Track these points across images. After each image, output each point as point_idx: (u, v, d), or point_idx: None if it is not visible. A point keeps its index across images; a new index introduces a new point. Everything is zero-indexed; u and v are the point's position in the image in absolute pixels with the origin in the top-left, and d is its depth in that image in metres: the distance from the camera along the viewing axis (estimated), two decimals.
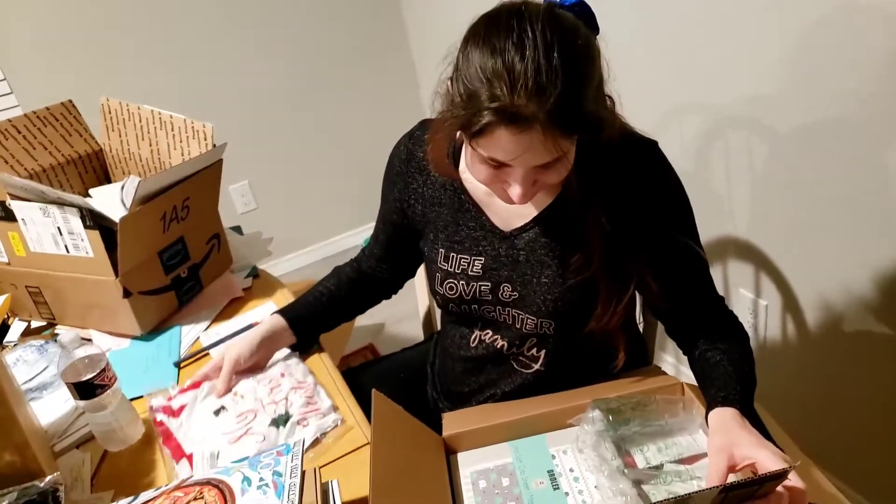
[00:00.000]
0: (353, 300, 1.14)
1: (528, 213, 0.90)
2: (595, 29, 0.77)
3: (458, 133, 0.85)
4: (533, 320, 0.92)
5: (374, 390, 0.82)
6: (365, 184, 2.73)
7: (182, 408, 0.98)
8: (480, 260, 0.93)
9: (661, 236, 0.86)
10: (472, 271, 0.93)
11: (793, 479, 0.66)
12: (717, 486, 0.60)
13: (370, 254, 1.14)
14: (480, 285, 0.93)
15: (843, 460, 1.43)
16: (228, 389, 1.00)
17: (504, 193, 0.80)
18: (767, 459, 0.67)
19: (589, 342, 0.92)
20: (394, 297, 1.20)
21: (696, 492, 0.60)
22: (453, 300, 0.96)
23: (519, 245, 0.91)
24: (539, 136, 0.69)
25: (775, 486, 0.65)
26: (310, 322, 1.10)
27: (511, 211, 0.91)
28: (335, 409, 0.96)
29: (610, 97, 0.79)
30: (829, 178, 1.26)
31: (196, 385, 1.01)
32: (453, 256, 0.95)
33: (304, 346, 1.10)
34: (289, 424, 0.93)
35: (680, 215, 0.89)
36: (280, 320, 1.06)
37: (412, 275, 1.18)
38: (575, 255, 0.87)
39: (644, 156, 0.86)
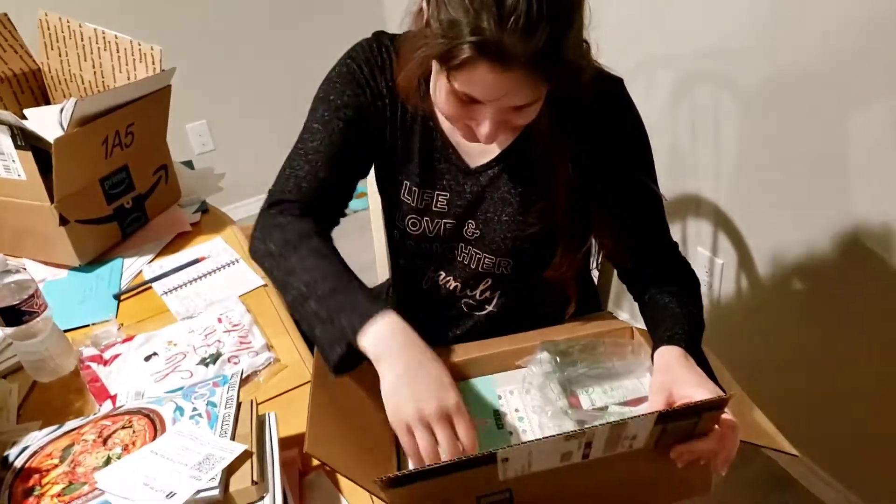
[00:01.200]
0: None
1: (493, 149, 0.87)
2: None
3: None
4: (491, 259, 0.90)
5: None
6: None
7: (114, 357, 0.94)
8: (445, 195, 0.90)
9: (621, 175, 0.85)
10: (435, 207, 0.90)
11: (726, 413, 0.66)
12: (654, 413, 0.59)
13: (310, 182, 0.88)
14: (445, 222, 0.91)
15: (793, 420, 1.47)
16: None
17: (468, 131, 0.76)
18: (704, 397, 0.67)
19: (543, 286, 0.91)
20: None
21: (632, 417, 0.59)
22: (414, 236, 0.93)
23: (483, 181, 0.88)
24: (520, 78, 0.65)
25: (713, 420, 0.65)
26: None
27: (477, 147, 0.87)
28: (269, 347, 0.94)
29: (587, 42, 0.74)
30: (790, 135, 1.25)
31: (130, 338, 0.96)
32: (416, 190, 0.91)
33: None
34: (218, 362, 0.90)
35: (641, 155, 0.87)
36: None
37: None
38: (537, 196, 0.85)
39: (610, 93, 0.84)
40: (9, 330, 0.86)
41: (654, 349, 0.80)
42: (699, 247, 1.55)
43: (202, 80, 2.32)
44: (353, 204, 0.97)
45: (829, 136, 1.18)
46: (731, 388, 0.79)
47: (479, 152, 0.88)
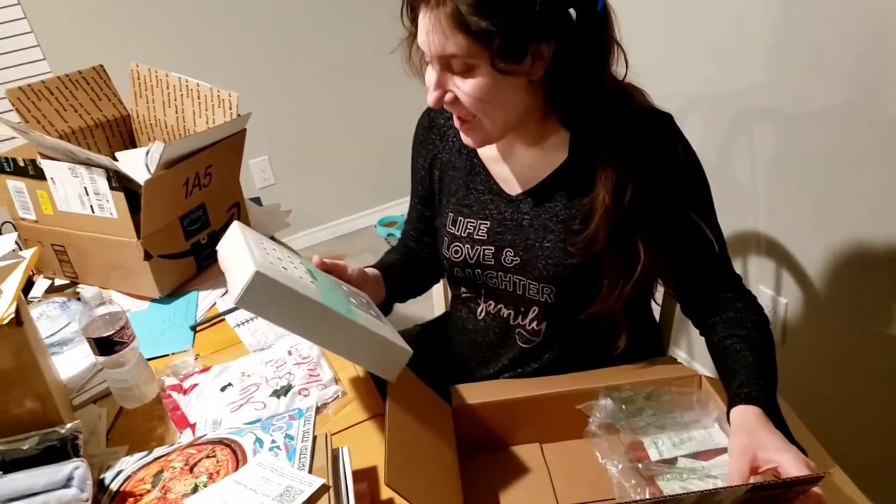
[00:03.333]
0: (409, 278, 1.12)
1: (534, 176, 0.91)
2: None
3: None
4: (535, 286, 0.92)
5: None
6: (382, 165, 2.75)
7: (193, 387, 0.99)
8: (486, 224, 0.94)
9: (671, 210, 0.86)
10: (476, 235, 0.95)
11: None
12: (748, 484, 0.59)
13: (408, 234, 1.14)
14: (484, 249, 0.94)
15: (861, 463, 1.41)
16: (326, 266, 0.93)
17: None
18: (791, 465, 0.66)
19: (592, 318, 0.91)
20: None
21: (724, 487, 0.59)
22: (458, 264, 0.97)
23: (524, 209, 0.92)
24: (438, 15, 0.73)
25: (802, 491, 0.64)
26: (394, 278, 1.06)
27: (518, 174, 0.92)
28: (337, 381, 0.97)
29: (621, 47, 0.81)
30: (855, 171, 1.24)
31: (206, 369, 1.02)
32: (461, 220, 0.96)
33: (387, 304, 1.07)
34: (289, 394, 0.94)
35: (692, 189, 0.87)
36: (373, 269, 1.04)
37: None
38: (579, 224, 0.87)
39: (657, 128, 0.86)
40: (101, 359, 0.92)
41: (729, 405, 0.78)
42: (761, 285, 1.53)
43: (264, 118, 2.42)
44: None
45: (894, 170, 1.16)
46: (809, 444, 0.77)
47: (521, 181, 0.92)
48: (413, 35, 0.82)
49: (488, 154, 0.95)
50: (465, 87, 0.79)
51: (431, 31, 0.75)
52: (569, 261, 0.88)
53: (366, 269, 1.01)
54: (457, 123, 0.86)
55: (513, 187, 0.93)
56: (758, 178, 1.46)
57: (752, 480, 0.67)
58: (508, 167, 0.93)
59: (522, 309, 0.96)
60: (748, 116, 1.43)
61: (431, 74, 0.81)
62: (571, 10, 0.76)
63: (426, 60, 0.82)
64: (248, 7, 2.33)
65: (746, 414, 0.75)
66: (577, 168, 0.87)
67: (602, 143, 0.83)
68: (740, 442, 0.72)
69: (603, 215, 0.84)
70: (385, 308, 1.07)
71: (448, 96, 0.81)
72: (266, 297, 0.73)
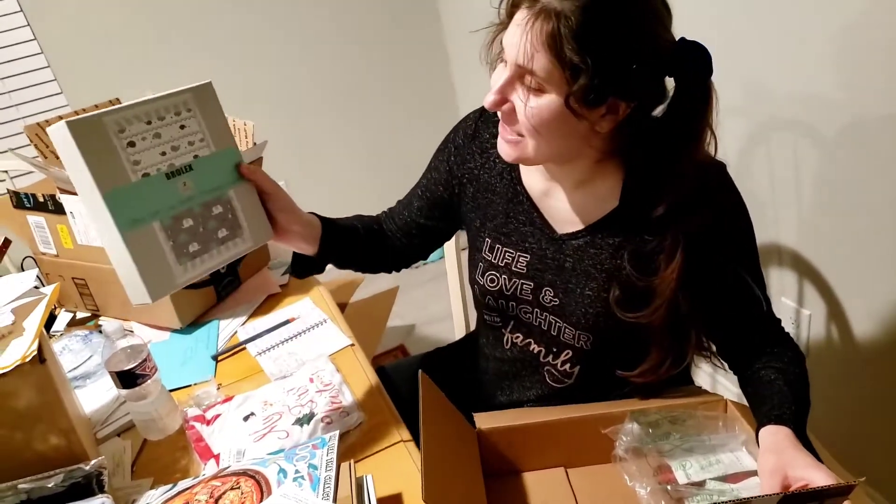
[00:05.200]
0: (366, 247, 1.05)
1: (583, 219, 0.87)
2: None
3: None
4: (571, 331, 0.89)
5: (421, 373, 0.82)
6: (401, 191, 2.74)
7: (216, 417, 0.99)
8: (526, 257, 0.91)
9: (720, 268, 0.82)
10: (515, 267, 0.92)
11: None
12: (779, 493, 0.58)
13: (395, 215, 1.08)
14: (522, 283, 0.92)
15: (887, 478, 1.38)
16: (246, 172, 0.86)
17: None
18: (822, 481, 0.65)
19: (625, 363, 0.89)
20: (426, 298, 1.19)
21: (756, 497, 0.58)
22: (492, 293, 0.95)
23: (567, 250, 0.88)
24: (536, 26, 0.69)
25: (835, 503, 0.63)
26: (337, 235, 0.99)
27: (565, 213, 0.88)
28: (359, 407, 0.97)
29: (714, 133, 0.77)
30: (877, 182, 1.22)
31: (229, 399, 1.01)
32: (499, 248, 0.93)
33: (318, 260, 0.98)
34: (312, 423, 0.93)
35: (742, 245, 0.84)
36: (314, 216, 0.98)
37: (423, 257, 1.12)
38: (621, 276, 0.83)
39: (713, 183, 0.81)
40: (124, 392, 0.93)
41: (758, 427, 0.77)
42: (783, 297, 1.50)
43: (282, 143, 2.45)
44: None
45: None
46: (837, 472, 0.76)
47: (568, 220, 0.88)
48: (504, 26, 0.75)
49: (534, 186, 0.90)
50: (528, 106, 0.74)
51: (522, 37, 0.70)
52: (609, 312, 0.85)
53: (308, 214, 0.95)
54: (501, 130, 0.80)
55: (559, 225, 0.89)
56: (780, 188, 1.44)
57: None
58: (554, 204, 0.89)
59: (555, 349, 0.93)
60: (767, 127, 1.42)
61: (501, 76, 0.76)
62: (670, 80, 0.74)
63: (502, 58, 0.76)
64: (264, 37, 2.36)
65: (776, 434, 0.74)
66: (628, 218, 0.83)
67: (657, 200, 0.78)
68: (770, 462, 0.71)
69: (667, 300, 0.80)
70: (323, 258, 0.98)
71: (507, 106, 0.76)
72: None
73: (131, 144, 0.74)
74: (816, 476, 0.66)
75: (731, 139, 1.50)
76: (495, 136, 0.84)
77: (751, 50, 1.38)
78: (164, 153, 0.77)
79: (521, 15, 0.71)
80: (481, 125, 0.95)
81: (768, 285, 1.53)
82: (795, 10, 1.25)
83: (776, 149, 1.41)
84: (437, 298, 1.28)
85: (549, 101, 0.72)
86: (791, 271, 1.48)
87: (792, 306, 1.49)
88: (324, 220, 0.98)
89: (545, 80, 0.71)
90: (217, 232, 0.82)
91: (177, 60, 2.25)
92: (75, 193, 1.14)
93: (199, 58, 2.29)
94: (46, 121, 1.29)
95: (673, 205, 0.77)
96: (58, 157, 1.28)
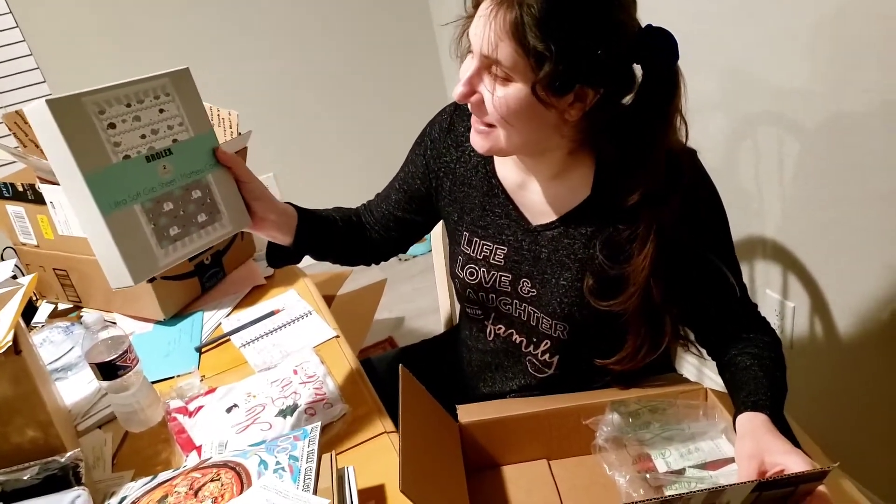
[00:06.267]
0: (343, 238, 1.05)
1: (556, 210, 0.88)
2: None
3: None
4: (548, 321, 0.90)
5: (401, 366, 0.81)
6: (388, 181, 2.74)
7: (198, 409, 0.98)
8: (503, 249, 0.92)
9: (693, 255, 0.82)
10: (493, 259, 0.92)
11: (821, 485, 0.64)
12: (753, 481, 0.59)
13: (373, 208, 1.08)
14: (501, 275, 0.92)
15: (870, 467, 1.39)
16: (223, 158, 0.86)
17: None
18: (798, 467, 0.65)
19: (602, 351, 0.89)
20: (413, 291, 1.19)
21: (730, 485, 0.58)
22: (472, 286, 0.95)
23: (542, 241, 0.89)
24: (499, 14, 0.68)
25: (807, 492, 0.63)
26: (313, 226, 0.98)
27: (538, 205, 0.89)
28: (343, 399, 0.96)
29: (684, 119, 0.76)
30: (861, 175, 1.22)
31: (212, 390, 1.01)
32: (476, 241, 0.94)
33: (294, 250, 0.97)
34: (295, 414, 0.93)
35: (715, 232, 0.85)
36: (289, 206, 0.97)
37: (402, 250, 1.12)
38: (594, 265, 0.84)
39: (683, 167, 0.80)
40: (104, 383, 0.92)
41: (735, 413, 0.78)
42: (768, 289, 1.51)
43: (268, 135, 2.44)
44: (414, 249, 1.05)
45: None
46: (815, 455, 0.77)
47: (542, 212, 0.89)
48: (470, 18, 0.76)
49: (509, 178, 0.91)
50: (496, 95, 0.74)
51: (486, 27, 0.70)
52: (584, 302, 0.85)
53: (285, 204, 0.95)
54: (473, 122, 0.80)
55: (534, 217, 0.90)
56: (763, 182, 1.45)
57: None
58: (529, 196, 0.89)
59: (535, 339, 0.94)
60: (753, 120, 1.42)
61: (468, 66, 0.76)
62: (637, 66, 0.74)
63: (470, 50, 0.76)
64: (251, 27, 2.34)
65: (753, 421, 0.74)
66: (600, 207, 0.84)
67: (629, 188, 0.78)
68: (747, 448, 0.71)
69: (640, 287, 0.80)
70: (299, 248, 0.97)
71: (475, 97, 0.76)
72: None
73: (111, 126, 0.73)
74: (792, 462, 0.66)
75: (715, 132, 1.50)
76: (468, 129, 0.85)
77: (735, 43, 1.38)
78: (143, 136, 0.76)
79: (485, 5, 0.71)
80: (456, 118, 0.95)
81: (752, 278, 1.54)
82: (780, 3, 1.25)
83: (761, 142, 1.41)
84: (425, 291, 1.28)
85: (516, 89, 0.73)
86: (775, 264, 1.48)
87: (776, 298, 1.50)
88: (300, 210, 0.97)
89: (510, 68, 0.71)
90: (197, 216, 0.81)
91: (162, 50, 2.23)
92: (56, 183, 1.13)
93: (185, 48, 2.27)
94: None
95: (645, 193, 0.78)
96: (38, 146, 1.27)
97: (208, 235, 0.83)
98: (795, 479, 0.61)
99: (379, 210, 1.07)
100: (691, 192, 0.81)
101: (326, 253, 1.04)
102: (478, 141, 0.81)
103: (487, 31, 0.70)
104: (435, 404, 0.87)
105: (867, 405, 1.38)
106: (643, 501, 0.58)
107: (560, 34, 0.68)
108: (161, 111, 0.78)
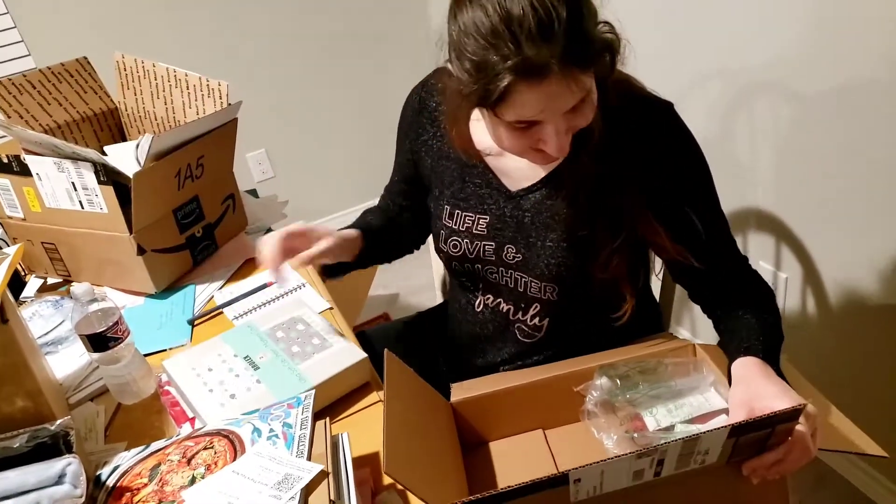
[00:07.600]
0: (391, 240, 1.11)
1: (535, 174, 0.88)
2: None
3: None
4: (536, 283, 0.90)
5: (386, 351, 0.81)
6: (382, 157, 2.70)
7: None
8: (485, 219, 0.91)
9: (675, 207, 0.83)
10: (476, 230, 0.92)
11: (800, 425, 0.64)
12: (727, 426, 0.59)
13: (388, 204, 1.13)
14: (485, 245, 0.92)
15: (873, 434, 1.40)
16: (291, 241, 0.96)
17: (540, 156, 0.77)
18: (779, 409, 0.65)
19: (593, 307, 0.90)
20: (408, 267, 1.19)
21: (705, 432, 0.58)
22: (456, 258, 0.95)
23: (525, 206, 0.89)
24: (559, 80, 0.67)
25: (787, 433, 0.63)
26: (374, 241, 1.05)
27: (518, 170, 0.89)
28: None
29: (608, 23, 0.74)
30: (856, 146, 1.22)
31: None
32: (458, 213, 0.94)
33: (361, 261, 1.05)
34: None
35: (696, 184, 0.85)
36: (350, 231, 1.03)
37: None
38: (582, 225, 0.85)
39: (659, 120, 0.82)
40: (95, 355, 0.91)
41: (730, 361, 0.78)
42: (762, 261, 1.51)
43: (260, 110, 2.41)
44: None
45: (893, 144, 1.14)
46: (812, 398, 0.77)
47: (522, 177, 0.89)
48: (497, 117, 0.72)
49: (484, 146, 0.90)
50: (583, 116, 0.74)
51: (560, 93, 0.68)
52: (571, 259, 0.86)
53: (343, 233, 0.99)
54: (555, 151, 0.75)
55: (512, 183, 0.90)
56: (759, 153, 1.44)
57: None
58: (507, 162, 0.89)
59: (523, 305, 0.94)
60: (749, 91, 1.41)
61: (555, 127, 0.72)
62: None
63: (528, 120, 0.72)
64: None
65: (745, 366, 0.75)
66: (580, 164, 0.83)
67: (604, 142, 0.80)
68: (738, 395, 0.72)
69: (606, 224, 0.82)
70: (363, 263, 1.06)
71: (570, 133, 0.76)
72: None
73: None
74: (781, 405, 0.66)
75: (712, 102, 1.49)
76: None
77: (730, 14, 1.36)
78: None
79: (543, 84, 0.67)
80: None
81: (746, 249, 1.54)
82: None
83: (757, 113, 1.40)
84: (420, 268, 1.27)
85: (593, 90, 0.74)
86: (769, 235, 1.48)
87: (770, 269, 1.50)
88: (364, 231, 1.04)
89: (589, 88, 0.72)
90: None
91: (147, 22, 2.18)
92: (42, 154, 1.11)
93: (171, 18, 2.22)
94: (9, 79, 1.25)
95: (614, 139, 0.79)
96: (22, 116, 1.24)
97: None
98: (770, 421, 0.60)
99: (393, 204, 1.12)
100: (668, 144, 0.82)
101: (392, 256, 1.13)
102: (566, 147, 0.76)
103: (563, 94, 0.69)
104: (423, 385, 0.86)
105: (858, 376, 1.38)
106: (618, 456, 0.58)
107: (591, 29, 0.68)
108: None
